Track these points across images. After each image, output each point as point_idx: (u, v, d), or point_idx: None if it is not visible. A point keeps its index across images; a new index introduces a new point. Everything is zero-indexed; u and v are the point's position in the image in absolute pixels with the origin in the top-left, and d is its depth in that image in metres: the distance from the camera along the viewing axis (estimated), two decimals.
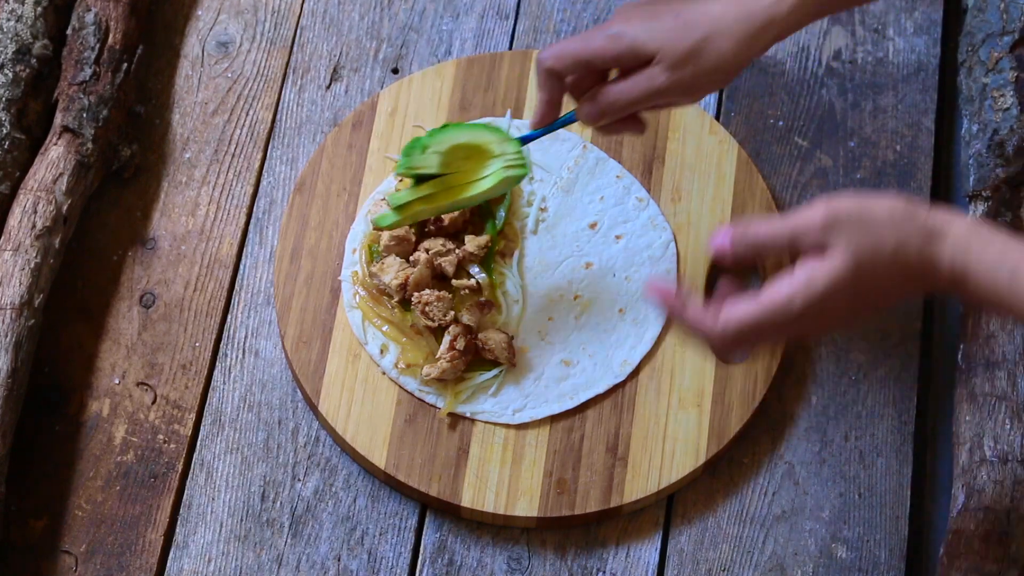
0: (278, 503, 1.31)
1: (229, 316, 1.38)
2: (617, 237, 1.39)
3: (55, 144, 1.37)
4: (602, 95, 1.23)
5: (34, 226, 1.32)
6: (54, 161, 1.35)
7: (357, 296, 1.35)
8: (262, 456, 1.32)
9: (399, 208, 1.30)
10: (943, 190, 1.48)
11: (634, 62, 1.21)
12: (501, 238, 1.37)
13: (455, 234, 1.36)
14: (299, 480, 1.31)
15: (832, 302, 1.09)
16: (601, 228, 1.39)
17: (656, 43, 1.20)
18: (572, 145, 1.42)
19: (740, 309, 1.10)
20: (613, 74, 1.24)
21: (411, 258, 1.34)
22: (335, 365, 1.33)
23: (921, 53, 1.50)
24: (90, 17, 1.41)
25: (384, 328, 1.33)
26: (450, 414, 1.31)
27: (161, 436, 1.32)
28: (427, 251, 1.34)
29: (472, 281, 1.34)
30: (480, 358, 1.32)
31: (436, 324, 1.32)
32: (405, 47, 1.49)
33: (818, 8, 1.21)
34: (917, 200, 1.09)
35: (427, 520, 1.31)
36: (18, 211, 1.33)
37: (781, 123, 1.47)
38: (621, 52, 1.21)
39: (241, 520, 1.30)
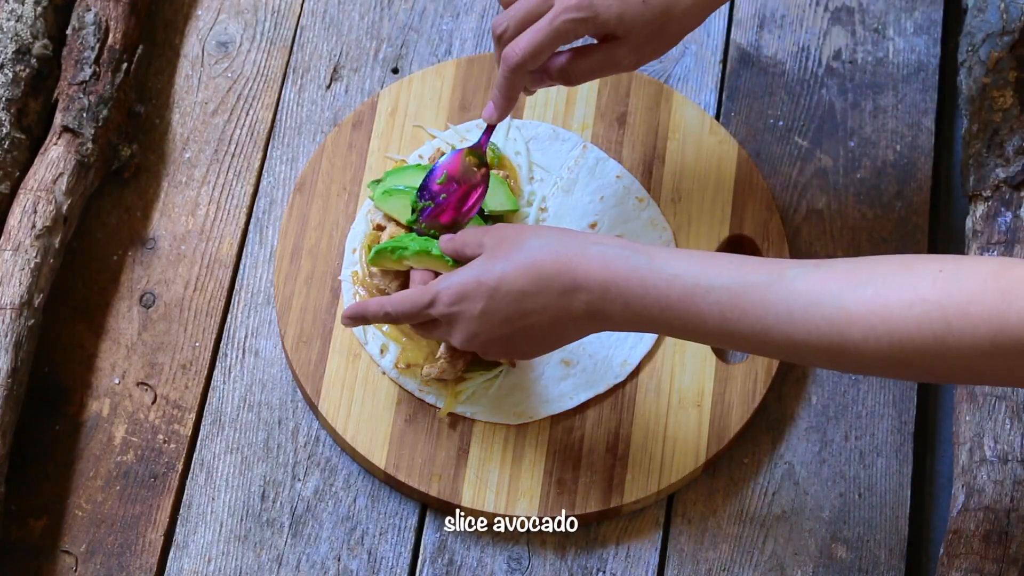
0: (278, 503, 1.31)
1: (229, 316, 1.38)
2: (617, 237, 1.39)
3: (55, 144, 1.37)
4: (565, 73, 1.24)
5: (34, 226, 1.32)
6: (54, 161, 1.35)
7: (357, 296, 1.35)
8: (262, 456, 1.32)
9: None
10: (943, 190, 1.48)
11: (597, 35, 1.23)
12: None
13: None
14: (299, 480, 1.31)
15: (472, 301, 1.18)
16: (601, 228, 1.39)
17: (625, 26, 1.20)
18: (572, 145, 1.42)
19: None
20: None
21: None
22: (335, 365, 1.33)
23: (921, 53, 1.50)
24: (90, 17, 1.41)
25: (384, 328, 1.33)
26: (450, 414, 1.31)
27: (161, 436, 1.33)
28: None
29: None
30: (480, 358, 1.32)
31: None
32: (405, 47, 1.49)
33: None
34: (564, 252, 1.15)
35: (427, 520, 1.31)
36: (18, 211, 1.33)
37: (781, 123, 1.47)
38: (589, 33, 1.22)
39: (241, 520, 1.30)
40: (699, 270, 1.11)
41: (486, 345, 1.21)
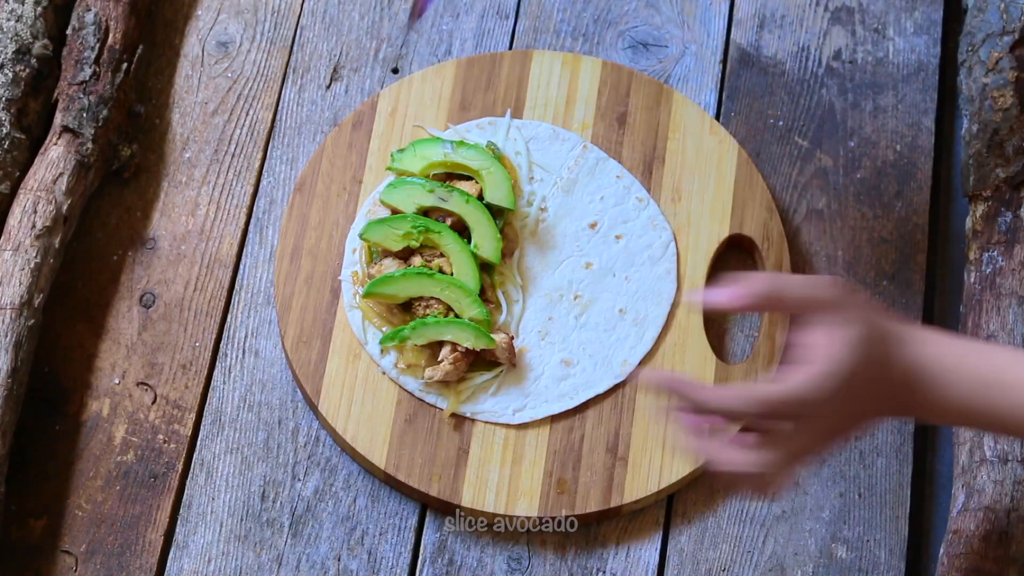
0: (278, 503, 1.31)
1: (229, 316, 1.38)
2: (617, 237, 1.39)
3: (55, 144, 1.37)
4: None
5: (34, 226, 1.32)
6: (54, 161, 1.35)
7: (357, 296, 1.35)
8: (262, 456, 1.32)
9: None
10: (943, 190, 1.48)
11: None
12: (501, 238, 1.37)
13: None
14: (299, 480, 1.31)
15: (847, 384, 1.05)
16: (601, 228, 1.39)
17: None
18: (572, 145, 1.42)
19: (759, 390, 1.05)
20: None
21: (408, 261, 1.34)
22: (335, 365, 1.33)
23: (921, 53, 1.50)
24: (90, 17, 1.41)
25: (384, 329, 1.33)
26: (453, 414, 1.31)
27: (161, 436, 1.32)
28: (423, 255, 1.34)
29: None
30: (481, 358, 1.32)
31: None
32: (405, 47, 1.49)
33: None
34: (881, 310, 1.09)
35: (427, 520, 1.31)
36: (18, 211, 1.33)
37: (781, 123, 1.47)
38: None
39: (241, 520, 1.30)
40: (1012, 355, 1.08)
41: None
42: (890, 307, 1.39)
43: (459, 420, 1.32)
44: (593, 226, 1.39)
